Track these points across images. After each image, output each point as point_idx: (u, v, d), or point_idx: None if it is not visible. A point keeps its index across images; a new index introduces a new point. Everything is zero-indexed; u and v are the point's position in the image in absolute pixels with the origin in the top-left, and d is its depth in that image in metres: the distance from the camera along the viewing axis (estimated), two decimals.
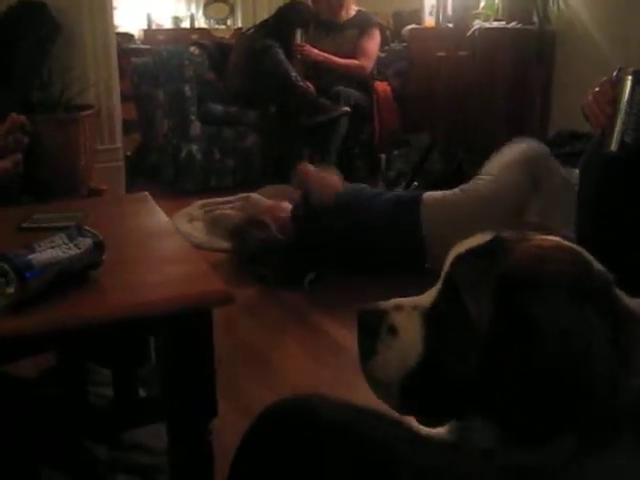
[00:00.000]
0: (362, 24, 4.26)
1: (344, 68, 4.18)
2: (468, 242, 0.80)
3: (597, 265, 0.76)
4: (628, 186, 1.73)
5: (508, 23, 3.83)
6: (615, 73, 1.63)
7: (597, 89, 1.62)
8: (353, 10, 4.33)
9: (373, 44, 4.26)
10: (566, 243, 0.78)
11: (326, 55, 4.17)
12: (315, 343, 2.24)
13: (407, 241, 2.66)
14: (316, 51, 4.17)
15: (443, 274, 0.81)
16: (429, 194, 2.76)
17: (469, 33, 3.92)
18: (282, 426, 0.76)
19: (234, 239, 2.93)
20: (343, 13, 4.30)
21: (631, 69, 1.59)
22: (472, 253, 0.78)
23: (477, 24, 3.97)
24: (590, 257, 0.76)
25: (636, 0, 3.38)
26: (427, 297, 0.81)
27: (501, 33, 3.81)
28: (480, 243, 0.78)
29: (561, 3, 3.75)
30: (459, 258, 0.79)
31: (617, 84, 1.59)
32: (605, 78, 1.66)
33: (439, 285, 0.81)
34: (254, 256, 2.79)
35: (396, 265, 2.64)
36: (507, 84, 3.77)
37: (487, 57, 3.84)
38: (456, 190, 2.75)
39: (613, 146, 1.58)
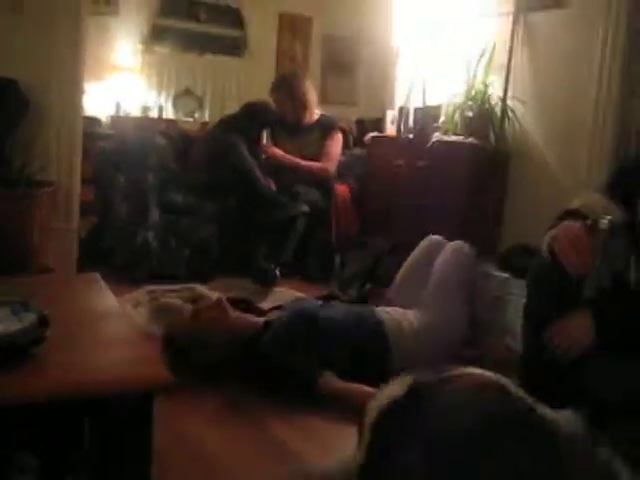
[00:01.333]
0: (325, 127, 4.42)
1: (308, 170, 4.29)
2: (388, 391, 0.80)
3: (515, 391, 0.77)
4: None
5: (466, 138, 3.98)
6: (589, 222, 1.74)
7: (572, 236, 1.72)
8: (316, 114, 4.49)
9: (336, 147, 4.40)
10: (488, 379, 0.79)
11: (291, 158, 4.29)
12: (258, 441, 2.18)
13: (373, 340, 2.63)
14: (281, 153, 4.28)
15: (368, 425, 0.80)
16: (387, 317, 2.73)
17: (429, 144, 4.06)
18: None
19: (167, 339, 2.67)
20: (306, 117, 4.44)
21: (606, 220, 1.71)
22: (395, 406, 0.77)
23: (436, 137, 4.12)
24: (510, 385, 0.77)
25: (581, 128, 3.57)
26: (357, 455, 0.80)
27: (459, 146, 3.95)
28: (401, 394, 0.78)
29: (516, 124, 3.94)
30: (382, 415, 0.78)
31: (593, 234, 1.70)
32: (578, 225, 1.76)
33: (366, 439, 0.80)
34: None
35: (361, 365, 2.58)
36: (462, 195, 3.89)
37: (445, 168, 3.96)
38: (414, 324, 2.72)
39: (590, 292, 1.72)
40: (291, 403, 2.41)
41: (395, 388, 0.79)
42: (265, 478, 1.94)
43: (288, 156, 4.30)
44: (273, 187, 4.13)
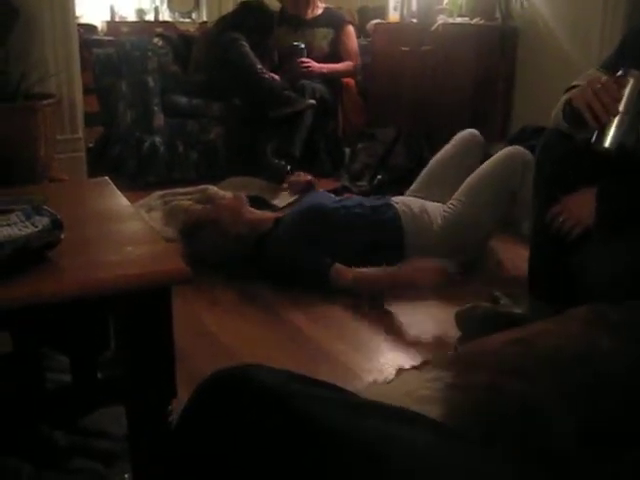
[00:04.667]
0: (335, 23, 4.29)
1: (344, 73, 4.29)
2: None
3: None
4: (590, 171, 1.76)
5: (471, 19, 3.86)
6: (620, 73, 1.65)
7: (599, 86, 1.62)
8: (320, 8, 4.34)
9: (353, 42, 4.34)
10: None
11: (328, 66, 4.20)
12: (276, 330, 2.24)
13: (389, 232, 2.63)
14: (318, 65, 4.16)
15: None
16: (403, 210, 2.69)
17: (433, 28, 3.95)
18: (221, 395, 0.77)
19: (184, 240, 2.73)
20: (309, 10, 4.31)
21: (638, 73, 1.62)
22: None
23: (441, 19, 4.00)
24: None
25: (593, 3, 3.44)
26: None
27: (464, 29, 3.84)
28: None
29: (524, 1, 3.80)
30: None
31: (623, 85, 1.61)
32: (605, 77, 1.67)
33: None
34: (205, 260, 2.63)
35: (376, 253, 2.58)
36: (470, 79, 3.81)
37: (450, 52, 3.87)
38: (437, 219, 2.68)
39: (610, 144, 1.60)
40: (307, 295, 2.46)
41: None
42: (286, 363, 2.01)
43: (325, 65, 4.19)
44: (278, 82, 4.05)
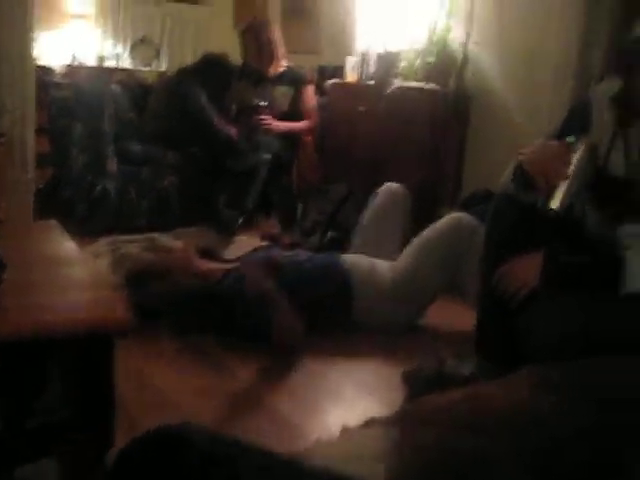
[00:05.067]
0: (296, 82, 4.33)
1: (303, 132, 4.33)
2: None
3: None
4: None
5: (427, 84, 3.96)
6: (571, 139, 1.73)
7: (550, 150, 1.71)
8: (282, 66, 4.39)
9: (312, 101, 4.39)
10: None
11: (287, 125, 4.23)
12: (222, 384, 2.20)
13: (337, 288, 2.64)
14: (276, 123, 4.19)
15: None
16: (353, 265, 2.72)
17: (389, 91, 4.04)
18: (151, 454, 0.74)
19: (130, 289, 2.55)
20: (272, 67, 4.34)
21: (588, 140, 1.71)
22: None
23: (396, 83, 4.10)
24: None
25: (543, 73, 3.57)
26: None
27: (419, 93, 3.93)
28: None
29: (477, 70, 3.92)
30: None
31: (572, 150, 1.69)
32: (556, 143, 1.76)
33: None
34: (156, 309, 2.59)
35: (323, 310, 2.59)
36: (423, 142, 3.88)
37: (404, 114, 3.95)
38: (386, 277, 2.71)
39: (559, 205, 1.65)
40: (254, 349, 2.43)
41: None
42: (229, 419, 1.97)
43: (283, 123, 4.22)
44: (235, 135, 4.07)
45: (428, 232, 2.76)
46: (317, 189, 4.13)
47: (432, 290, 2.73)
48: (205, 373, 2.28)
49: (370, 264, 2.74)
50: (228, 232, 3.75)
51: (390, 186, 3.11)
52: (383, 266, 2.75)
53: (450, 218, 2.76)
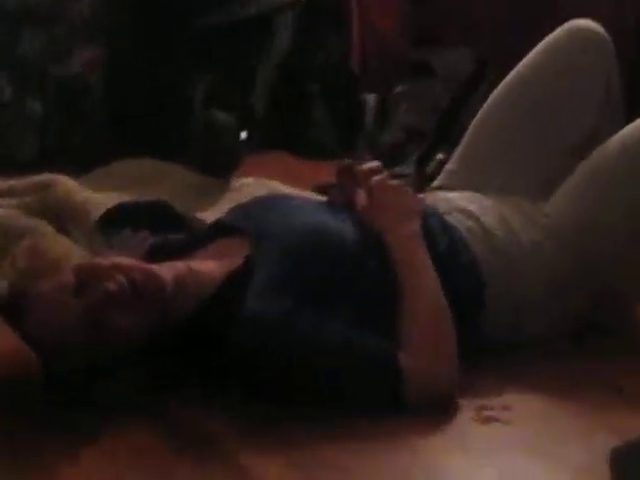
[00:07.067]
0: None
1: None
2: None
3: None
4: None
5: None
6: None
7: None
8: None
9: None
10: None
11: None
12: None
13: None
14: None
15: None
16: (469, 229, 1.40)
17: None
18: None
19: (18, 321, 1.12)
20: None
21: None
22: None
23: None
24: None
25: None
26: None
27: None
28: None
29: None
30: None
31: None
32: None
33: None
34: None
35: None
36: None
37: None
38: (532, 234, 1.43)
39: None
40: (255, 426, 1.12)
41: None
42: None
43: None
44: None
45: (619, 138, 1.48)
46: (406, 60, 2.16)
47: (616, 259, 1.49)
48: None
49: (499, 215, 1.43)
50: (221, 166, 1.86)
51: (576, 23, 1.62)
52: (520, 218, 1.45)
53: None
